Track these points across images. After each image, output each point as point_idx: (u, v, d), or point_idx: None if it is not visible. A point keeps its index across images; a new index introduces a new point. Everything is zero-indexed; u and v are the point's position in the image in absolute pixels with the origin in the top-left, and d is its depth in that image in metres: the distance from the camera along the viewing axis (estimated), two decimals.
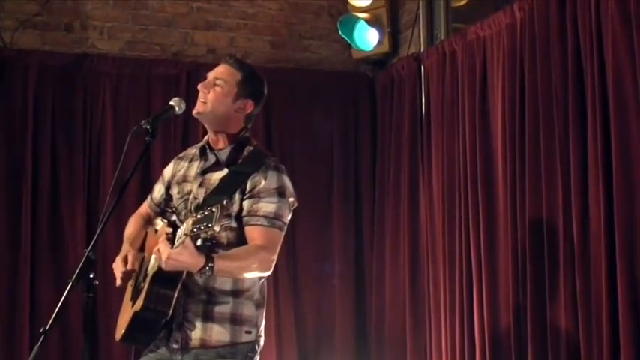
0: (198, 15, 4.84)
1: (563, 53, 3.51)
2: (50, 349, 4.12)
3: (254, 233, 2.73)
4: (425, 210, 4.46)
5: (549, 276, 3.53)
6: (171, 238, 2.64)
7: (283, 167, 2.85)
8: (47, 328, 2.29)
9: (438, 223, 4.33)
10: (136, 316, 2.69)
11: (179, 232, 2.64)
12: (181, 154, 3.02)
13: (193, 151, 2.97)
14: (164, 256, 2.56)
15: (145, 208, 3.08)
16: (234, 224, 2.75)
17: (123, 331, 2.76)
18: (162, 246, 2.59)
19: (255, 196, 2.74)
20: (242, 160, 2.82)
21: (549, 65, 3.58)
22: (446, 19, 4.67)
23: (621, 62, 3.22)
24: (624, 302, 3.14)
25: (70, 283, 2.36)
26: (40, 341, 2.27)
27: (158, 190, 3.03)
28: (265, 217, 2.72)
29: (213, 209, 2.46)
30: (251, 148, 2.86)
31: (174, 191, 2.92)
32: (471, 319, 3.99)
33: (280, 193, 2.77)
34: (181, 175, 2.92)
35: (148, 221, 3.04)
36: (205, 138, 2.93)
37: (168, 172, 3.01)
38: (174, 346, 2.75)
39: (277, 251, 2.77)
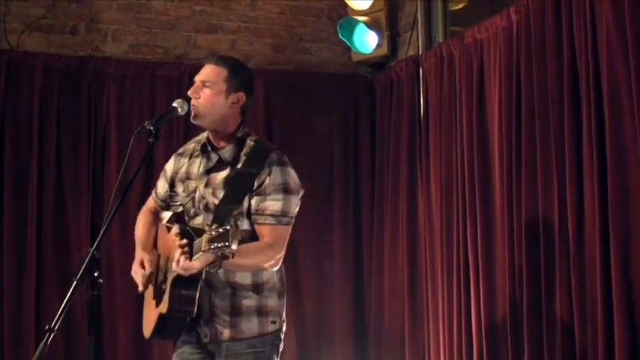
0: (200, 18, 4.87)
1: (558, 56, 3.54)
2: (55, 346, 4.12)
3: (262, 231, 2.79)
4: (423, 210, 4.49)
5: (545, 274, 3.55)
6: (188, 251, 2.64)
7: (286, 158, 2.88)
8: (53, 325, 2.31)
9: (436, 223, 4.35)
10: (162, 318, 2.76)
11: (196, 245, 2.62)
12: (180, 150, 3.04)
13: (192, 145, 2.99)
14: (184, 268, 2.61)
15: (150, 203, 3.12)
16: (246, 223, 2.81)
17: (151, 330, 2.83)
18: (182, 260, 2.61)
19: (261, 193, 2.80)
20: (246, 158, 2.85)
21: (545, 67, 3.60)
22: (444, 23, 4.70)
23: (616, 64, 3.24)
24: (618, 299, 3.16)
25: (75, 282, 2.38)
26: (45, 338, 2.29)
27: (162, 187, 3.05)
28: (272, 215, 2.78)
29: (228, 227, 2.46)
30: (252, 142, 2.88)
31: (179, 189, 2.96)
32: (468, 317, 4.02)
33: (285, 188, 2.82)
34: (184, 172, 2.96)
35: (156, 215, 3.08)
36: (205, 134, 2.95)
37: (169, 168, 3.03)
38: (205, 340, 2.82)
39: (285, 246, 2.83)
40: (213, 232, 2.47)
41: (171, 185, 3.02)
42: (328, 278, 4.85)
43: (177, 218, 2.89)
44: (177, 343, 2.93)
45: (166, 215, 3.07)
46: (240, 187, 2.81)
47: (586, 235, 3.36)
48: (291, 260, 4.73)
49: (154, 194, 3.11)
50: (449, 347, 4.18)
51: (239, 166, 2.84)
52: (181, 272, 2.64)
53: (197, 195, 2.88)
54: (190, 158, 2.96)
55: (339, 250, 4.88)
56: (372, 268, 4.85)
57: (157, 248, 2.97)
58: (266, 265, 2.80)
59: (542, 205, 3.59)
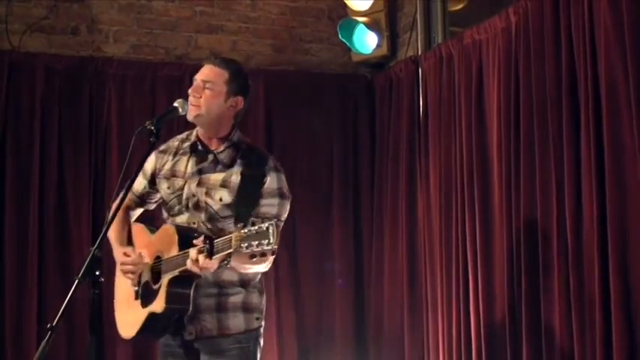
0: (201, 19, 4.89)
1: (556, 56, 3.56)
2: (57, 344, 4.16)
3: None
4: (422, 210, 4.51)
5: (543, 273, 3.57)
6: (209, 249, 2.63)
7: (280, 165, 2.95)
8: (54, 323, 2.32)
9: (435, 223, 4.37)
10: (154, 317, 2.79)
11: (220, 244, 2.61)
12: (162, 147, 3.03)
13: (176, 143, 3.01)
14: (203, 267, 2.64)
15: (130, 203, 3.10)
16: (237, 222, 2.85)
17: (137, 329, 2.86)
18: (202, 258, 2.62)
19: (259, 196, 2.86)
20: (244, 161, 2.89)
21: (543, 68, 3.62)
22: (443, 23, 4.71)
23: (614, 65, 3.26)
24: (616, 298, 3.18)
25: (77, 281, 2.40)
26: (47, 337, 2.30)
27: (140, 183, 3.05)
28: (268, 218, 2.80)
29: (268, 225, 2.47)
30: (246, 147, 2.95)
31: (163, 185, 2.97)
32: (467, 317, 4.03)
33: (281, 194, 2.89)
34: (169, 169, 2.97)
35: (127, 212, 3.08)
36: (194, 132, 2.98)
37: (150, 165, 3.02)
38: (190, 337, 2.86)
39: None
40: (246, 231, 2.49)
41: (151, 182, 3.03)
42: (328, 278, 4.86)
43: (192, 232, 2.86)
44: (160, 348, 2.96)
45: (138, 212, 3.09)
46: (252, 188, 2.85)
47: (584, 235, 3.38)
48: (291, 260, 4.79)
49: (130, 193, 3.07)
50: (448, 347, 4.20)
51: (241, 169, 2.88)
52: (196, 270, 2.66)
53: (185, 193, 2.91)
54: (175, 156, 2.98)
55: (339, 250, 4.89)
56: (372, 268, 4.86)
57: (134, 247, 2.98)
58: (263, 265, 2.83)
59: (541, 204, 3.61)
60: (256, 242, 2.47)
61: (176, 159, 2.98)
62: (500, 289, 3.85)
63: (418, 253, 4.54)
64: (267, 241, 2.46)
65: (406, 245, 4.60)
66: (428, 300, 4.42)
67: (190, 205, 2.90)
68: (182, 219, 2.90)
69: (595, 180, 3.31)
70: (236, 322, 2.87)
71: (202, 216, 2.88)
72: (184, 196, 2.91)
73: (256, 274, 2.93)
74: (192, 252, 2.65)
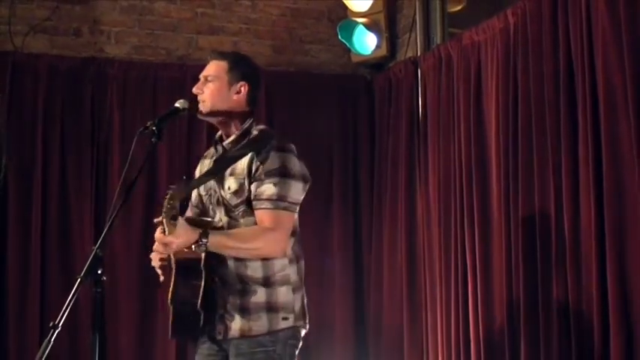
0: (202, 20, 4.91)
1: (555, 57, 3.57)
2: (59, 343, 4.15)
3: (261, 217, 2.77)
4: (421, 210, 4.52)
5: (542, 273, 3.58)
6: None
7: (291, 147, 2.86)
8: (57, 322, 2.34)
9: (434, 223, 4.38)
10: (174, 310, 2.77)
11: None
12: (205, 153, 3.08)
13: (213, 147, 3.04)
14: (159, 241, 2.64)
15: (189, 214, 3.08)
16: (249, 210, 2.81)
17: (170, 328, 2.83)
18: (157, 232, 2.64)
19: (258, 178, 2.77)
20: (243, 144, 2.85)
21: (541, 69, 3.63)
22: (442, 24, 4.72)
23: (611, 66, 3.27)
24: (614, 301, 3.19)
25: (79, 280, 2.39)
26: (49, 335, 2.32)
27: (194, 193, 3.04)
28: (269, 199, 2.75)
29: (174, 187, 2.55)
30: (256, 132, 2.88)
31: (202, 190, 2.97)
32: (466, 315, 4.05)
33: (283, 173, 2.78)
34: (203, 172, 2.98)
35: None
36: (218, 133, 2.99)
37: (197, 173, 3.05)
38: (218, 337, 2.82)
39: (287, 231, 2.81)
40: (169, 193, 2.52)
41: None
42: (328, 277, 4.86)
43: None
44: (198, 345, 2.92)
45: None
46: (223, 163, 2.82)
47: (582, 234, 3.39)
48: None
49: (190, 205, 3.08)
50: (447, 345, 4.21)
51: (232, 150, 2.86)
52: (160, 249, 2.66)
53: (211, 191, 2.91)
54: (210, 158, 2.99)
55: (339, 249, 4.90)
56: (372, 267, 4.87)
57: None
58: (267, 249, 2.77)
59: (539, 205, 3.62)
60: (170, 202, 2.51)
61: (210, 161, 2.98)
62: (499, 291, 3.86)
63: (417, 253, 4.54)
64: (173, 201, 2.50)
65: (405, 245, 4.60)
66: (427, 301, 4.42)
67: (214, 201, 2.88)
68: (215, 219, 2.86)
69: (592, 179, 3.32)
70: (259, 323, 2.77)
71: (223, 210, 2.85)
72: (212, 195, 2.91)
73: (282, 267, 2.82)
74: (156, 235, 2.67)
